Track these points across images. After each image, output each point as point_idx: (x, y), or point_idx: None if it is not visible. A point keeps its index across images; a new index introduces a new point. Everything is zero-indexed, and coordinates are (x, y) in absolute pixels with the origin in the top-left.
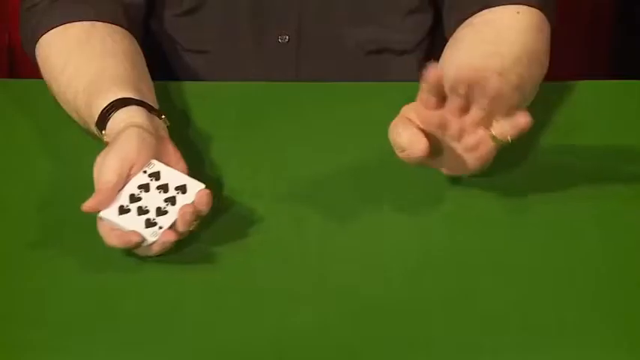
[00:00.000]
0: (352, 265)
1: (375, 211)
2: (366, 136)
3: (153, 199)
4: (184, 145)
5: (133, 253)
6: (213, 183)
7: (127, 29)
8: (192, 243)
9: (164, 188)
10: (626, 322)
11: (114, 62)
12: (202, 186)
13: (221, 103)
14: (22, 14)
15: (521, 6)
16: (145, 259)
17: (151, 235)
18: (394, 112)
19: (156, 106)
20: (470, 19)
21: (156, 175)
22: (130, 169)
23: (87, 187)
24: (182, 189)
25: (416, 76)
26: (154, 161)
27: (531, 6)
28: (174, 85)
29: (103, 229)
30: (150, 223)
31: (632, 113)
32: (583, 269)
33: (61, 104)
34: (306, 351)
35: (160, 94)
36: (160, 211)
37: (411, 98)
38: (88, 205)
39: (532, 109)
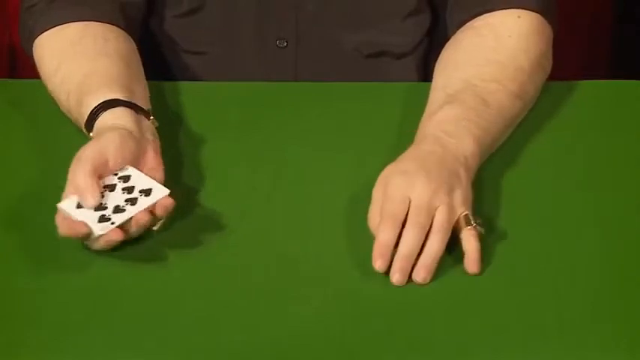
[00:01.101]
0: (352, 265)
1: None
2: (366, 136)
3: (114, 199)
4: (182, 145)
5: (131, 251)
6: (212, 183)
7: (123, 28)
8: (190, 243)
9: (129, 190)
10: (626, 322)
11: (106, 62)
12: (167, 192)
13: (220, 103)
14: (21, 14)
15: (521, 10)
16: (147, 258)
17: (100, 229)
18: (393, 112)
19: (147, 106)
20: (471, 22)
21: (125, 178)
22: (105, 164)
23: None
24: (146, 192)
25: (414, 78)
26: (129, 167)
27: (532, 10)
28: (173, 86)
29: (57, 219)
30: (104, 219)
31: (632, 113)
32: (583, 269)
33: (57, 104)
34: (306, 352)
35: (158, 95)
36: (117, 209)
37: (410, 99)
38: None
39: (533, 109)
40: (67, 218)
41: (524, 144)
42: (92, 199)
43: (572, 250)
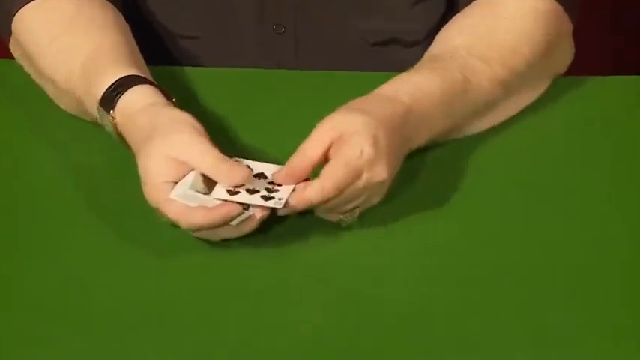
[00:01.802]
0: (353, 265)
1: (375, 210)
2: None
3: (256, 184)
4: None
5: (131, 252)
6: None
7: (113, 4)
8: (190, 242)
9: (261, 176)
10: (627, 322)
11: (112, 37)
12: None
13: (216, 89)
14: None
15: None
16: (147, 259)
17: (275, 204)
18: None
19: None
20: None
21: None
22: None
23: (80, 179)
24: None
25: None
26: (239, 159)
27: None
28: (165, 71)
29: (172, 210)
30: (267, 198)
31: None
32: (583, 269)
33: (42, 83)
34: (306, 352)
35: None
36: (270, 190)
37: None
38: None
39: (539, 103)
40: (198, 207)
41: (527, 143)
42: (245, 173)
43: (572, 249)
